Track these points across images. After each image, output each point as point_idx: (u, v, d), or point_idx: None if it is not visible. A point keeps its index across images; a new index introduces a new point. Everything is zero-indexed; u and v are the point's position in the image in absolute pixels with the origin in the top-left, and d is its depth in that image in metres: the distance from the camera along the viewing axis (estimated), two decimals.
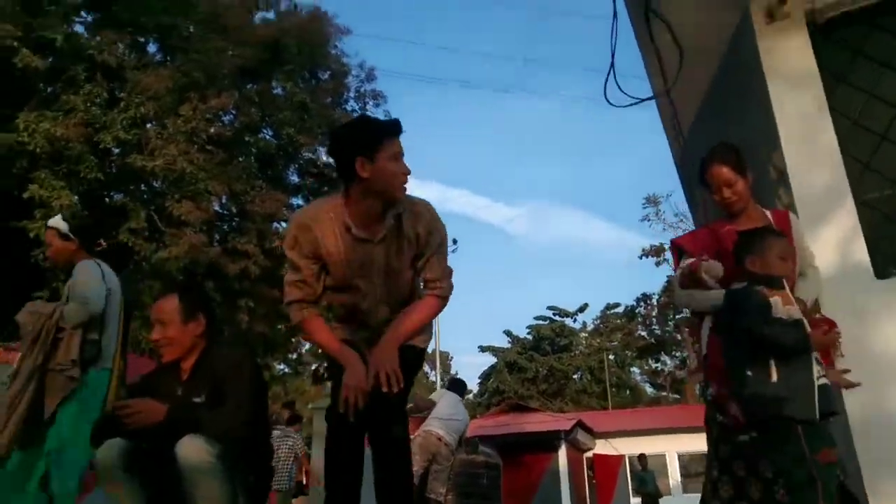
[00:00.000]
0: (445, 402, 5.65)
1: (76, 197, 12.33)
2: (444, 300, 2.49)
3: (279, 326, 16.69)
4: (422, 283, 2.54)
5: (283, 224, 17.55)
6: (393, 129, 2.30)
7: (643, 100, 4.15)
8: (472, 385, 43.71)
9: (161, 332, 2.34)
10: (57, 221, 3.46)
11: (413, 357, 2.46)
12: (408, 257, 2.44)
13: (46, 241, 3.49)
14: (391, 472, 2.31)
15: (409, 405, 8.13)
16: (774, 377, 2.12)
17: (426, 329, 2.56)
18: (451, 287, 2.53)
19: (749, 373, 2.16)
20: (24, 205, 12.00)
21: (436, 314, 2.53)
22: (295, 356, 19.77)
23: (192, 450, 1.98)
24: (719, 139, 2.92)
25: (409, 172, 2.32)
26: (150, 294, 13.19)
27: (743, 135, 3.62)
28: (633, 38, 4.11)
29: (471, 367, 69.89)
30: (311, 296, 2.40)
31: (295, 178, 19.24)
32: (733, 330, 2.32)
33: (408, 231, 2.39)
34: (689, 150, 4.79)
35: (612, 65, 3.79)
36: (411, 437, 5.72)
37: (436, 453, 5.22)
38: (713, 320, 2.59)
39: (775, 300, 2.22)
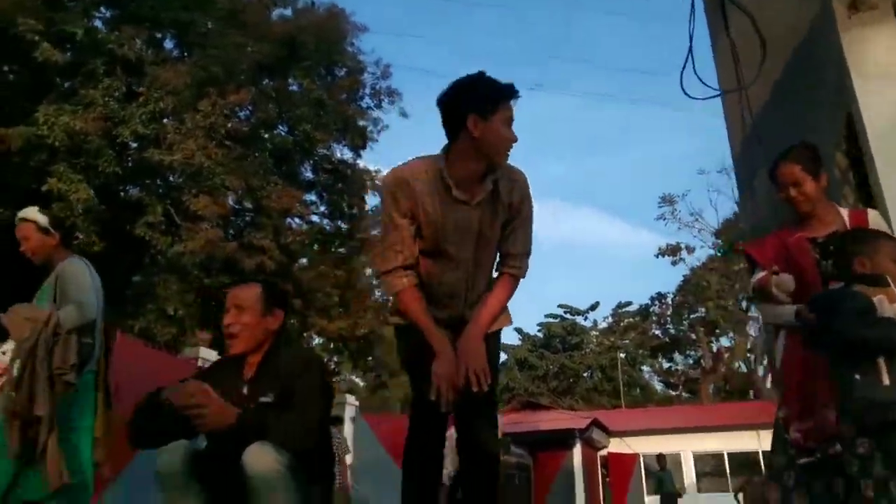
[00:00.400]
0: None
1: (93, 191, 12.38)
2: (517, 282, 2.41)
3: (291, 321, 16.72)
4: (499, 259, 2.43)
5: (297, 220, 17.66)
6: (511, 93, 2.22)
7: (725, 92, 4.05)
8: None
9: (236, 318, 2.18)
10: (33, 213, 3.15)
11: (494, 345, 2.37)
12: (499, 227, 2.34)
13: (22, 235, 3.11)
14: (478, 467, 2.24)
15: None
16: (886, 380, 1.96)
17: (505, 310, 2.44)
18: (526, 268, 2.42)
19: (857, 377, 2.00)
20: (42, 198, 12.06)
21: (511, 296, 2.42)
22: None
23: (262, 459, 1.86)
24: (787, 133, 2.83)
25: (517, 140, 2.24)
26: (164, 287, 13.25)
27: (814, 130, 3.50)
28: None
29: None
30: (411, 259, 2.26)
31: (309, 175, 19.29)
32: (831, 334, 2.13)
33: (504, 197, 2.30)
34: (751, 144, 4.69)
35: (691, 55, 3.68)
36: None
37: None
38: (803, 335, 2.42)
39: (879, 299, 2.08)
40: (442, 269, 2.31)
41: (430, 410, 2.17)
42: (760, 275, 2.54)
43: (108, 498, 7.11)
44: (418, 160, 2.30)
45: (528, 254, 2.43)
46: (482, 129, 2.16)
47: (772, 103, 4.19)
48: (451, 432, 5.44)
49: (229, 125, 13.96)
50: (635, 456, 17.06)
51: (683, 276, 31.31)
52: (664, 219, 32.25)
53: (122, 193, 14.57)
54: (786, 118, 4.02)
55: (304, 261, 17.52)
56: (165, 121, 13.29)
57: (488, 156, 2.22)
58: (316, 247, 18.16)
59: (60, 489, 2.74)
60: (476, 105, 2.17)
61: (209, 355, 9.26)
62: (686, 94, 3.76)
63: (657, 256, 32.06)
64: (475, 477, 2.26)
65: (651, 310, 34.78)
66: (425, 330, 2.22)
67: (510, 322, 2.46)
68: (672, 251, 31.52)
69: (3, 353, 2.88)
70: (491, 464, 2.31)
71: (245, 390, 2.18)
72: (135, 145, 13.53)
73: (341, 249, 19.01)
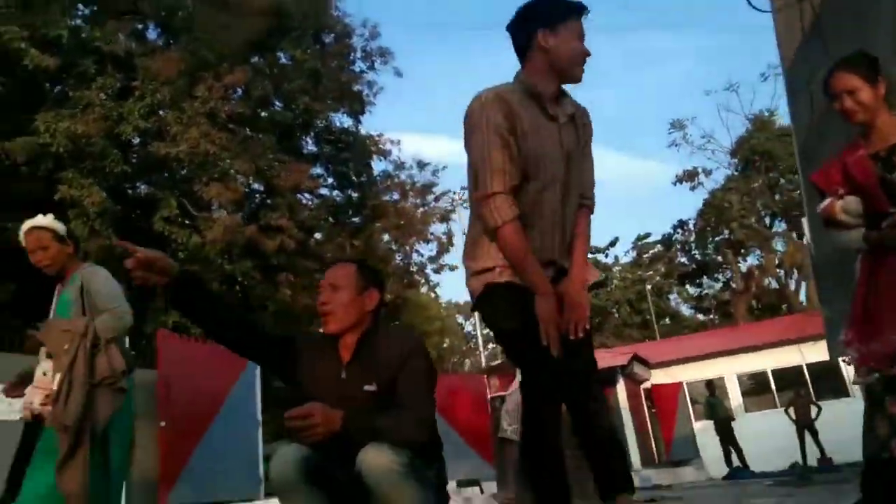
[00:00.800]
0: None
1: (104, 192, 12.24)
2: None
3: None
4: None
5: (307, 195, 17.49)
6: (580, 8, 2.15)
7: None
8: None
9: (331, 296, 2.06)
10: (51, 221, 3.05)
11: (590, 290, 2.22)
12: (580, 151, 2.22)
13: (38, 244, 2.99)
14: (598, 420, 2.05)
15: (500, 362, 8.05)
16: None
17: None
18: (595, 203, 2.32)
19: None
20: (55, 207, 11.94)
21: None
22: None
23: (379, 461, 1.76)
24: (847, 37, 2.62)
25: (590, 54, 2.15)
26: None
27: (876, 34, 3.24)
28: None
29: None
30: (515, 181, 2.06)
31: (313, 148, 19.07)
32: None
33: (579, 121, 2.22)
34: (809, 47, 4.40)
35: None
36: (505, 393, 5.59)
37: None
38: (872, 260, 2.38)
39: None
40: (535, 200, 2.12)
41: (541, 360, 2.00)
42: (825, 202, 2.46)
43: (173, 497, 7.17)
44: (498, 85, 2.16)
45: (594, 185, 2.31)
46: (554, 42, 2.11)
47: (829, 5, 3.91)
48: (514, 389, 5.29)
49: (228, 108, 13.69)
50: (678, 385, 17.04)
51: (704, 199, 30.90)
52: (676, 145, 31.73)
53: (132, 191, 14.43)
54: (845, 20, 3.75)
55: (318, 235, 17.43)
56: (164, 112, 13.03)
57: (563, 70, 2.14)
58: (330, 220, 18.02)
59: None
60: (544, 19, 2.12)
61: None
62: (753, 6, 3.48)
63: (675, 184, 31.65)
64: (596, 434, 2.07)
65: (674, 238, 34.47)
66: (529, 268, 2.02)
67: (599, 274, 2.31)
68: (689, 176, 31.06)
69: (45, 373, 2.78)
70: (601, 399, 2.16)
71: (343, 374, 2.05)
72: (138, 141, 13.32)
73: (355, 219, 18.89)
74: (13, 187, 11.99)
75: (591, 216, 2.30)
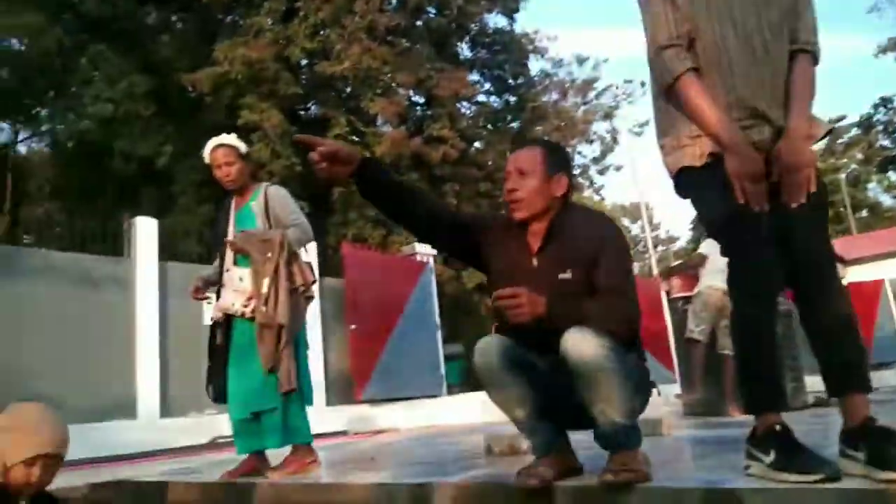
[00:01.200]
0: (719, 252, 5.06)
1: (281, 115, 12.97)
2: (815, 66, 1.87)
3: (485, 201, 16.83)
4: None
5: (466, 103, 17.37)
6: None
7: None
8: (684, 232, 41.95)
9: (519, 182, 1.94)
10: (234, 139, 3.18)
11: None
12: None
13: (223, 160, 3.11)
14: (830, 304, 1.76)
15: (678, 262, 7.74)
16: None
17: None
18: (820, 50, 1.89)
19: None
20: (239, 132, 12.90)
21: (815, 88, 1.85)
22: None
23: (585, 345, 1.70)
24: None
25: None
26: (355, 197, 13.84)
27: None
28: None
29: (675, 217, 66.62)
30: (681, 28, 1.81)
31: (468, 54, 18.77)
32: None
33: None
34: None
35: None
36: (690, 293, 5.33)
37: (723, 308, 4.77)
38: None
39: None
40: (722, 45, 1.80)
41: (743, 224, 1.73)
42: None
43: (367, 393, 7.80)
44: None
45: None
46: None
47: None
48: (700, 288, 4.99)
49: (385, 21, 13.74)
50: (879, 283, 15.42)
51: None
52: (878, 9, 27.35)
53: (305, 112, 15.18)
54: None
55: (478, 144, 17.37)
56: (326, 31, 13.37)
57: None
58: (489, 127, 17.85)
59: (289, 394, 2.92)
60: None
61: (424, 249, 9.60)
62: None
63: (876, 56, 27.51)
64: (820, 301, 1.78)
65: (874, 119, 30.22)
66: (710, 119, 1.74)
67: (825, 127, 1.89)
68: None
69: (241, 279, 3.00)
70: (833, 280, 1.79)
71: (534, 262, 1.96)
72: (305, 63, 13.85)
73: (513, 124, 18.54)
74: (200, 117, 13.09)
75: (814, 63, 1.85)
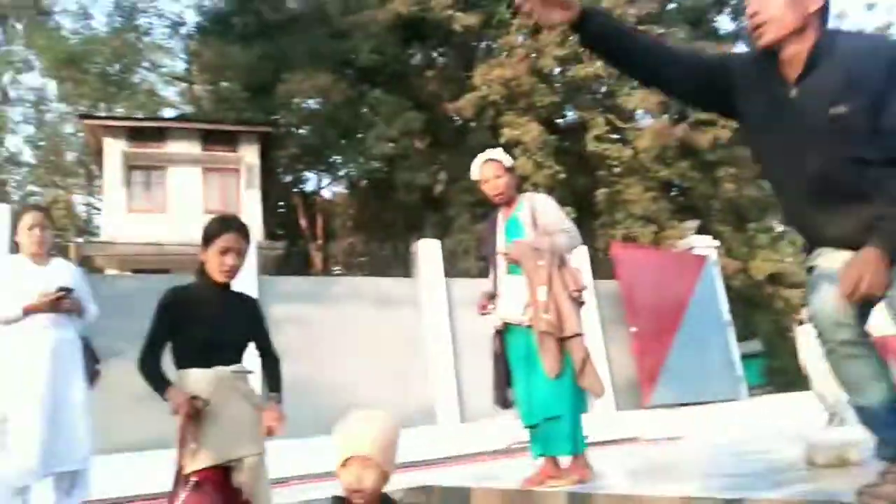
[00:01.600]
0: None
1: (540, 127, 13.21)
2: None
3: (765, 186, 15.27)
4: None
5: None
6: None
7: None
8: None
9: (760, 3, 1.60)
10: (502, 154, 3.23)
11: None
12: None
13: (492, 174, 3.17)
14: None
15: None
16: None
17: None
18: None
19: None
20: (501, 148, 13.43)
21: None
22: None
23: None
24: None
25: None
26: (628, 191, 13.42)
27: None
28: None
29: None
30: None
31: (731, 26, 17.31)
32: None
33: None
34: None
35: None
36: None
37: None
38: None
39: None
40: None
41: None
42: None
43: (656, 397, 7.47)
44: None
45: None
46: None
47: None
48: None
49: (635, 10, 13.27)
50: None
51: None
52: None
53: (562, 119, 15.29)
54: None
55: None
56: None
57: None
58: None
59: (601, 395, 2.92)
60: None
61: (701, 242, 8.99)
62: None
63: None
64: None
65: None
66: None
67: None
68: None
69: (517, 287, 3.16)
70: None
71: (793, 93, 1.60)
72: (558, 71, 13.96)
73: None
74: (466, 142, 13.93)
75: None
